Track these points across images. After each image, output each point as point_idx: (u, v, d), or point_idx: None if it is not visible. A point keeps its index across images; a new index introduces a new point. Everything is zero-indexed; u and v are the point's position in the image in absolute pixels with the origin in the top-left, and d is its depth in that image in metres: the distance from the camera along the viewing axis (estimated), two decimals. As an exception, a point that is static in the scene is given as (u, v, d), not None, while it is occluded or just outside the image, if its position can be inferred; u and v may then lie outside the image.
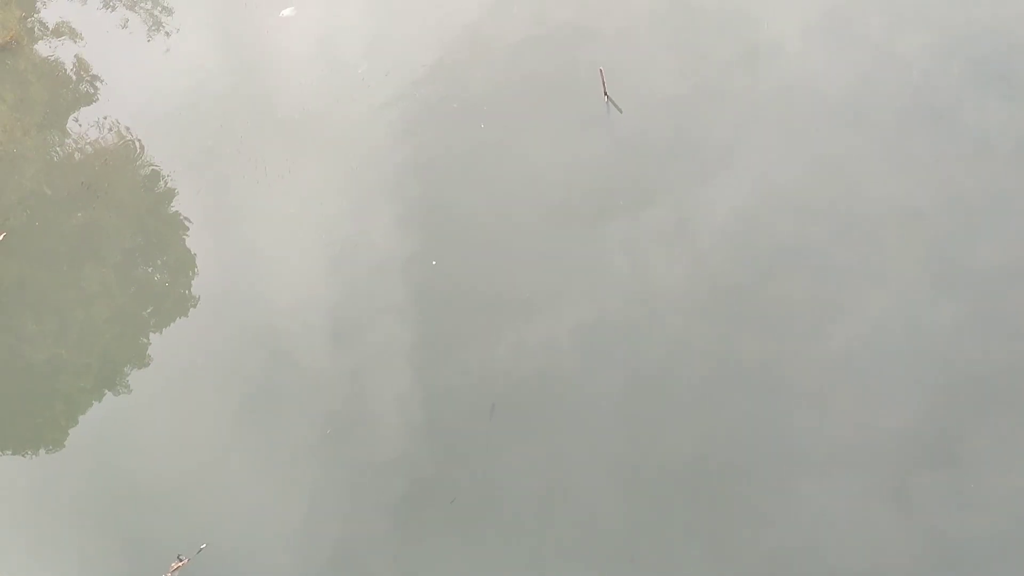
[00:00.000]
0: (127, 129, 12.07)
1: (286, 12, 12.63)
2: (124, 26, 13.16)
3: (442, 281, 9.89)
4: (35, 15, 13.43)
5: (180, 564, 8.77)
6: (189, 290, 10.78)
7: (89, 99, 12.55)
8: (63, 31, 13.32)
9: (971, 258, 8.44)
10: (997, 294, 8.23)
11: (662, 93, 10.44)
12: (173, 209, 11.46)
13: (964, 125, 9.09)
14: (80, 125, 12.28)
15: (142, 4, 13.53)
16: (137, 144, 11.97)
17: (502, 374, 9.16)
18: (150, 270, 11.27)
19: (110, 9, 13.47)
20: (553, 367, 9.08)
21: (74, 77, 12.84)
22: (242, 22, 12.85)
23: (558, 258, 9.72)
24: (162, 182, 11.70)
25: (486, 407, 8.99)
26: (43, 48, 13.15)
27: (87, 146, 12.05)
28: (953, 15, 9.78)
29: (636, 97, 10.52)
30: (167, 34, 13.06)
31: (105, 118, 12.28)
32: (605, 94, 10.55)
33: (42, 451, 9.88)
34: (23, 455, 9.85)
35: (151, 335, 10.52)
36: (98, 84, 12.70)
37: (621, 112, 10.48)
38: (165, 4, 13.43)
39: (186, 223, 11.33)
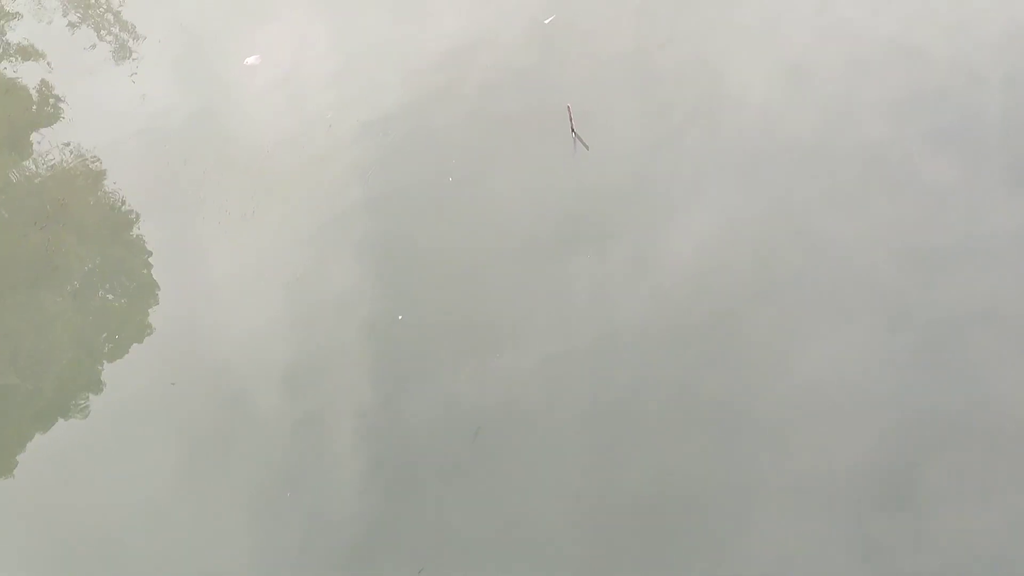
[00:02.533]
0: (90, 155, 11.94)
1: (250, 60, 12.72)
2: (91, 50, 13.14)
3: (406, 324, 9.88)
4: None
5: None
6: (146, 323, 10.59)
7: (52, 121, 12.42)
8: (28, 53, 13.24)
9: (925, 303, 8.76)
10: (950, 338, 8.54)
11: (628, 134, 10.71)
12: (133, 240, 11.29)
13: (919, 181, 9.53)
14: (42, 147, 12.12)
15: (110, 32, 13.54)
16: (100, 171, 11.81)
17: (465, 412, 9.14)
18: (109, 298, 11.08)
19: (75, 31, 13.48)
20: (517, 402, 9.11)
21: (37, 99, 12.67)
22: (209, 65, 12.88)
23: (523, 294, 9.80)
24: (124, 212, 11.53)
25: (445, 445, 8.97)
26: (6, 68, 13.02)
27: (48, 169, 11.88)
28: (910, 78, 10.26)
29: (602, 135, 10.75)
30: (135, 60, 13.07)
31: (68, 142, 12.14)
32: (572, 130, 10.73)
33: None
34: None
35: (106, 365, 10.31)
36: (62, 107, 12.58)
37: (588, 148, 10.68)
38: (135, 32, 13.47)
39: (146, 255, 11.17)
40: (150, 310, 10.77)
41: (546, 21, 11.93)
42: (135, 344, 10.46)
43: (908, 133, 9.85)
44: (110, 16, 13.97)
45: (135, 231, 11.45)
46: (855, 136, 9.97)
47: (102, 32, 13.71)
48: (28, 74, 12.97)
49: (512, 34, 12.06)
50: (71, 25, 13.78)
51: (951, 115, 9.89)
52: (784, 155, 10.05)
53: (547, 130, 10.95)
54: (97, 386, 10.19)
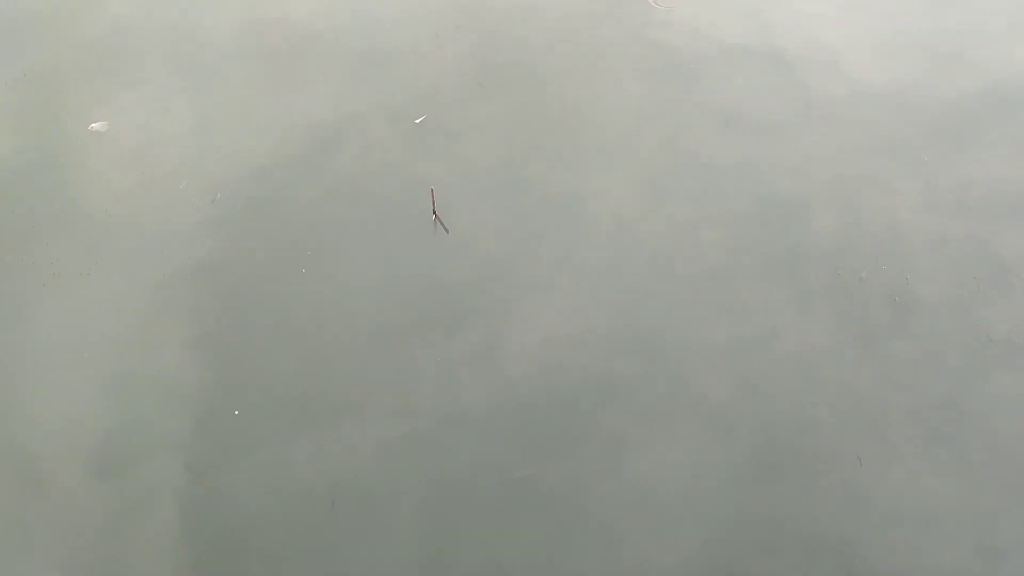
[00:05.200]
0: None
1: (95, 126, 12.25)
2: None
3: (240, 406, 9.52)
4: None
5: None
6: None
7: None
8: None
9: (751, 421, 9.20)
10: (773, 454, 9.01)
11: (487, 231, 10.90)
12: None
13: (752, 305, 10.13)
14: None
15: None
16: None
17: (297, 494, 8.86)
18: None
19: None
20: (351, 484, 8.90)
21: None
22: (51, 121, 12.29)
23: (366, 374, 9.67)
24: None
25: (277, 529, 8.62)
26: None
27: None
28: (750, 208, 10.97)
29: (461, 231, 10.89)
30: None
31: None
32: (434, 213, 10.85)
33: None
34: None
35: None
36: None
37: (448, 232, 10.79)
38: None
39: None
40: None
41: (417, 121, 12.15)
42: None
43: (744, 259, 10.48)
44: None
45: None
46: (696, 256, 10.52)
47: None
48: None
49: (380, 123, 12.16)
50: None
51: (785, 245, 10.59)
52: (632, 266, 10.47)
53: (407, 215, 11.00)
54: None
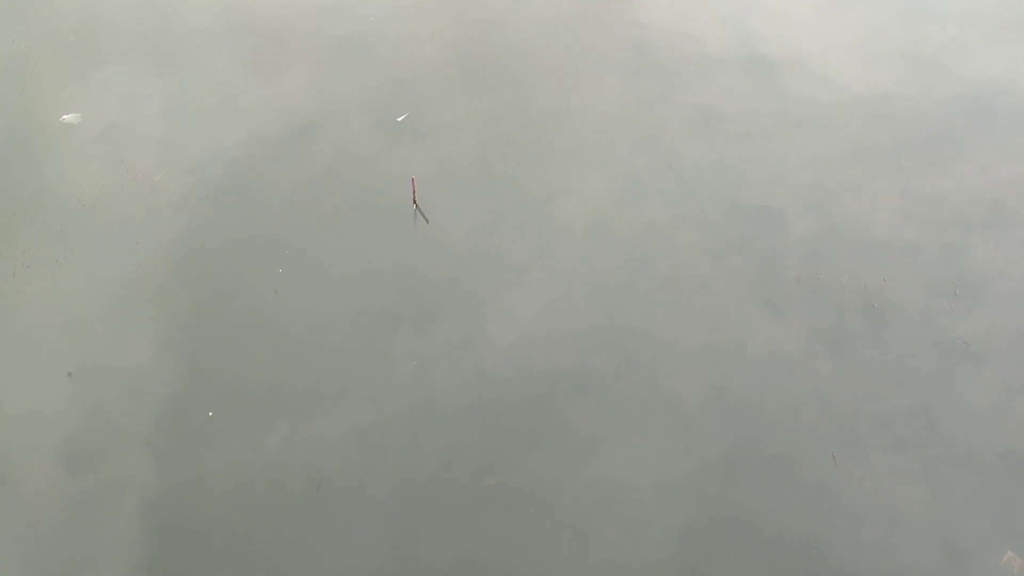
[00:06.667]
0: None
1: (67, 118, 12.22)
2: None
3: (211, 403, 9.36)
4: None
5: None
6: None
7: None
8: None
9: (730, 411, 9.13)
10: (742, 457, 8.85)
11: (464, 230, 10.86)
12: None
13: (726, 315, 10.00)
14: None
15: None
16: None
17: (268, 487, 8.70)
18: None
19: None
20: (322, 475, 8.78)
21: None
22: (20, 112, 12.34)
23: (341, 364, 9.58)
24: None
25: (246, 521, 8.45)
26: None
27: None
28: (726, 217, 10.90)
29: (443, 211, 10.89)
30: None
31: None
32: (414, 203, 10.81)
33: None
34: None
35: None
36: None
37: (428, 223, 10.78)
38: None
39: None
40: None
41: (399, 119, 12.14)
42: None
43: (721, 261, 10.42)
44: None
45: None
46: (673, 257, 10.47)
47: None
48: None
49: (361, 118, 12.18)
50: None
51: (761, 248, 10.54)
52: (610, 266, 10.41)
53: (387, 209, 10.98)
54: None
